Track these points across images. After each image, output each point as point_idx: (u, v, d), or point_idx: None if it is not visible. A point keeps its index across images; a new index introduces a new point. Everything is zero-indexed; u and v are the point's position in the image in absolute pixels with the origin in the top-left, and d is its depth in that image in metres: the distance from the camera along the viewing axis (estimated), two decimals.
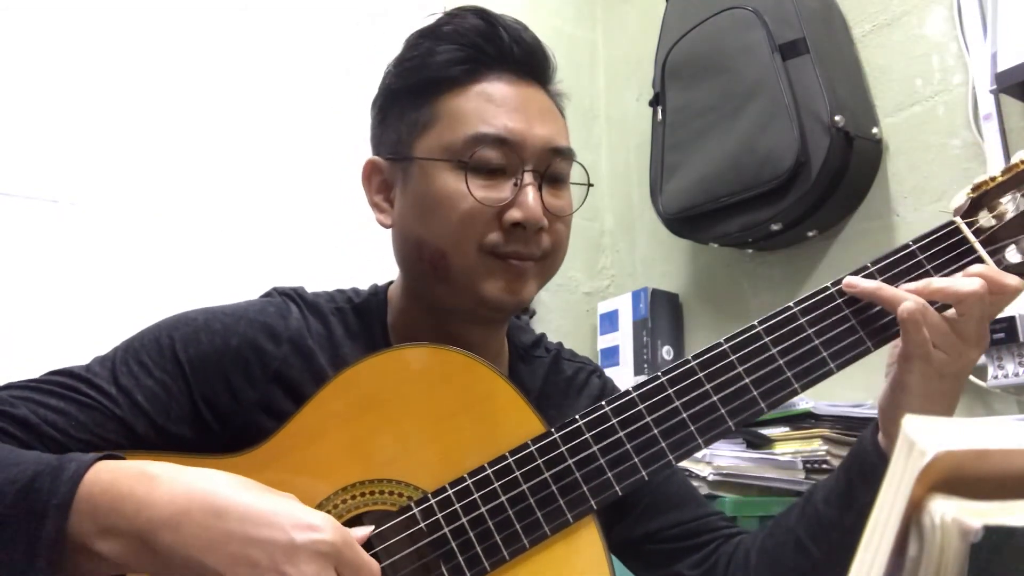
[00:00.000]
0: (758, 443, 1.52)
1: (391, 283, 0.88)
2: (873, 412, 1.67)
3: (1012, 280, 0.69)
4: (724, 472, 1.45)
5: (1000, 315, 1.49)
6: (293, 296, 0.82)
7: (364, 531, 0.63)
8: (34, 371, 0.78)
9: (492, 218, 0.76)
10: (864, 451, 0.74)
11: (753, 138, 1.76)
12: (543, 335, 0.96)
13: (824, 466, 1.54)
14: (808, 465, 1.55)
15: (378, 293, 0.87)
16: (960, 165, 1.64)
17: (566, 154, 0.80)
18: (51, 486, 0.58)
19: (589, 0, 2.59)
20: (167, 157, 1.72)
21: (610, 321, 2.24)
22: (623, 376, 2.17)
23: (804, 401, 1.60)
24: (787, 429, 1.60)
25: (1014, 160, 0.74)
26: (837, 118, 1.65)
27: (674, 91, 1.99)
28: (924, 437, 0.31)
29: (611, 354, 2.22)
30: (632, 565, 0.89)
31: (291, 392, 0.74)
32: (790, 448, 1.58)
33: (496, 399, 0.69)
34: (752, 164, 1.74)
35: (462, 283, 0.77)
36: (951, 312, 0.69)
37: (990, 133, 1.57)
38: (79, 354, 0.80)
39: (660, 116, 2.03)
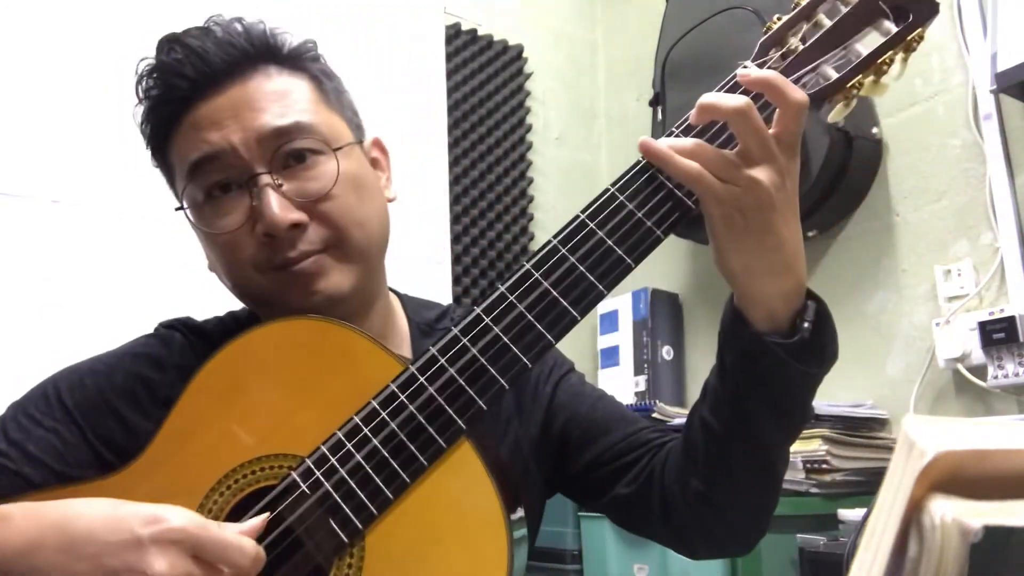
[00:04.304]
0: None
1: None
2: (874, 411, 1.68)
3: (784, 84, 0.63)
4: None
5: (1000, 315, 1.50)
6: (176, 326, 0.83)
7: (256, 520, 0.63)
8: (35, 372, 0.79)
9: (247, 238, 0.73)
10: (724, 316, 0.72)
11: None
12: (451, 306, 0.94)
13: (824, 466, 1.54)
14: (808, 465, 1.55)
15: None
16: (960, 165, 1.64)
17: (294, 129, 0.74)
18: None
19: (589, 0, 2.60)
20: None
21: (610, 321, 2.24)
22: (623, 376, 2.17)
23: None
24: None
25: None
26: None
27: (674, 91, 1.99)
28: (924, 437, 0.31)
29: (611, 354, 2.22)
30: (582, 500, 0.89)
31: None
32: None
33: (354, 352, 0.71)
34: None
35: (272, 302, 0.76)
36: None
37: (990, 133, 1.57)
38: (79, 354, 0.81)
39: (660, 116, 2.04)
